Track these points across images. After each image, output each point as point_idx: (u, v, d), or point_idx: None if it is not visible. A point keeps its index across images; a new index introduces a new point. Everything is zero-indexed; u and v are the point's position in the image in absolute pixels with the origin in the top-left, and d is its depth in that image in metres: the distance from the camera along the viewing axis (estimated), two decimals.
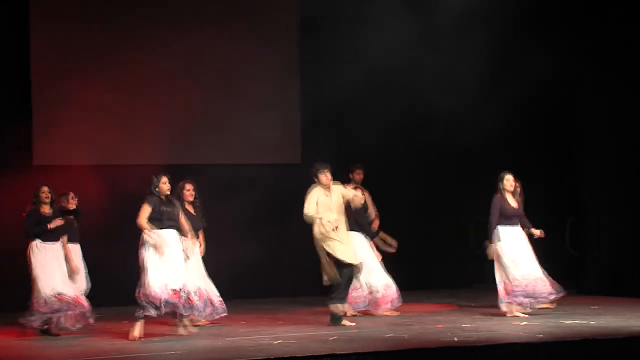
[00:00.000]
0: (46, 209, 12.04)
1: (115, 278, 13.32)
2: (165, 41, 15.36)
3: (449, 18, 15.24)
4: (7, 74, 14.73)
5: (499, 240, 12.81)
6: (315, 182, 12.34)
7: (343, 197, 12.39)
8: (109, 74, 15.03)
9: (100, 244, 14.03)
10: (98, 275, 13.92)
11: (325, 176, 12.24)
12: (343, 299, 12.31)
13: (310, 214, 12.18)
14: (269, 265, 15.56)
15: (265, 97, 15.85)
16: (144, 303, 11.25)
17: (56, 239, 12.06)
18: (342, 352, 9.93)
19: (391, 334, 11.32)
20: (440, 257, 16.43)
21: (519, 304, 12.71)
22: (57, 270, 11.93)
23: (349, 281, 12.33)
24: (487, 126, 15.59)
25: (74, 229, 12.66)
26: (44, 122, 14.79)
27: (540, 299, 12.77)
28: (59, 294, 11.82)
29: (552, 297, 12.82)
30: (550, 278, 12.97)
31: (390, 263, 16.09)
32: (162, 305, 11.25)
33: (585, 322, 12.08)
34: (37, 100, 14.85)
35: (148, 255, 11.37)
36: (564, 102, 15.99)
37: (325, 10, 15.49)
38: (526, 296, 12.69)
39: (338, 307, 12.20)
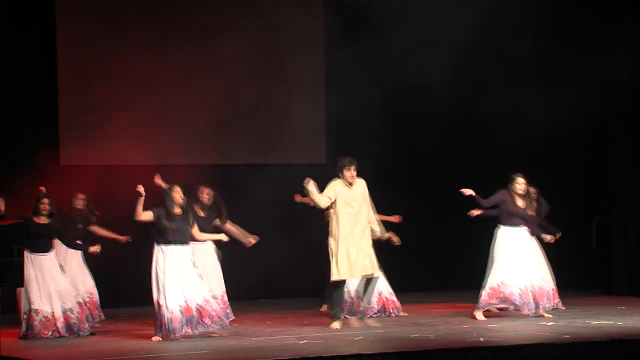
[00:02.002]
0: (43, 220, 11.96)
1: (140, 278, 13.35)
2: (192, 43, 15.39)
3: (488, 19, 15.15)
4: (34, 75, 14.80)
5: (496, 240, 12.69)
6: (339, 178, 12.24)
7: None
8: (136, 74, 15.09)
9: (128, 246, 14.06)
10: (122, 275, 14.01)
11: (350, 173, 12.15)
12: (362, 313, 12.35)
13: (319, 202, 12.04)
14: (294, 265, 15.58)
15: (291, 97, 15.86)
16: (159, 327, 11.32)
17: (46, 250, 11.97)
18: (368, 352, 9.93)
19: (417, 334, 11.31)
20: (467, 257, 16.38)
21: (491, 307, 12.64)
22: (45, 284, 11.83)
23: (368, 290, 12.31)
24: (521, 128, 15.56)
25: (70, 234, 12.65)
26: (70, 122, 14.86)
27: (517, 309, 12.57)
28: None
29: (530, 313, 12.58)
30: (548, 290, 12.71)
31: (417, 262, 16.13)
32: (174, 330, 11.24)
33: (612, 322, 12.03)
34: (64, 100, 14.93)
35: (158, 274, 11.39)
36: (599, 106, 15.90)
37: (352, 12, 15.48)
38: (502, 302, 12.56)
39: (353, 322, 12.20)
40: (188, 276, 11.39)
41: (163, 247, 11.42)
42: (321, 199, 12.04)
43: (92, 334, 11.97)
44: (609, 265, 15.73)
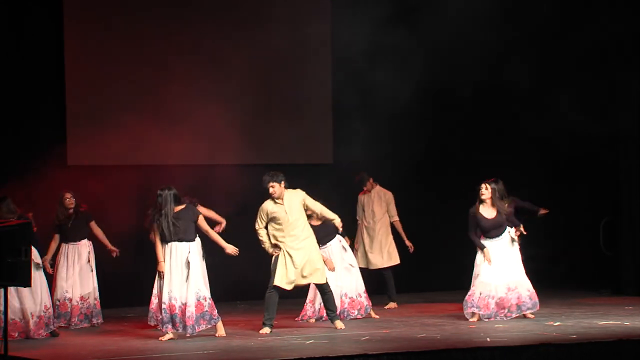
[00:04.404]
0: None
1: (149, 278, 13.37)
2: (199, 45, 15.41)
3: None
4: (42, 74, 14.82)
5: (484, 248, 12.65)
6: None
7: (306, 205, 12.08)
8: (143, 74, 15.10)
9: (136, 245, 14.08)
10: (132, 275, 14.03)
11: (273, 190, 11.96)
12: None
13: (258, 231, 12.05)
14: None
15: (297, 97, 15.87)
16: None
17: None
18: (374, 353, 9.93)
19: (423, 334, 11.31)
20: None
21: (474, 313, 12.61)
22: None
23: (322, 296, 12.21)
24: (537, 127, 15.57)
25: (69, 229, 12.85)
26: (78, 122, 14.87)
27: (500, 315, 12.52)
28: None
29: (509, 316, 12.50)
30: (527, 294, 12.51)
31: (426, 263, 16.10)
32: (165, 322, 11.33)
33: (619, 322, 12.01)
34: (71, 100, 14.94)
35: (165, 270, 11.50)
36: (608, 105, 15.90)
37: (358, 8, 15.47)
38: (480, 309, 12.52)
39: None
40: (178, 274, 11.41)
41: (165, 245, 11.50)
42: (265, 240, 12.05)
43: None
44: (617, 265, 15.70)
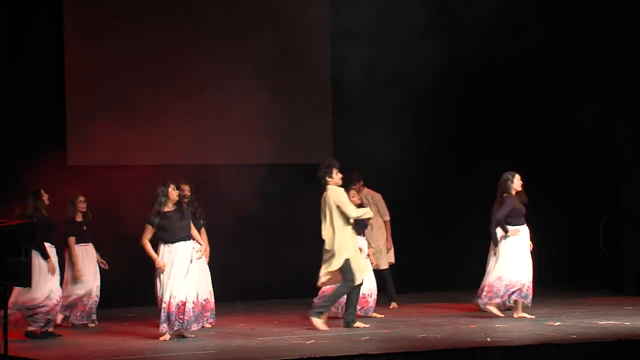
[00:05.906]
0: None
1: (149, 278, 13.38)
2: (200, 44, 15.41)
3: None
4: (42, 74, 14.82)
5: (514, 236, 12.66)
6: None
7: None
8: (143, 75, 15.10)
9: (136, 245, 14.06)
10: (133, 275, 14.01)
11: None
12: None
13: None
14: (302, 265, 15.54)
15: (297, 97, 15.87)
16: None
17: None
18: (374, 353, 9.93)
19: (424, 334, 11.30)
20: (476, 257, 16.38)
21: (497, 303, 12.65)
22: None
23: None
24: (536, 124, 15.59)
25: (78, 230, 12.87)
26: (78, 122, 14.87)
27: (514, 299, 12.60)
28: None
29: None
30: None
31: (426, 263, 16.11)
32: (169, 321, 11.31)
33: (619, 322, 12.02)
34: (71, 100, 14.94)
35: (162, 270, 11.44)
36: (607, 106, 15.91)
37: (357, 9, 15.49)
38: (502, 296, 12.58)
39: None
40: (180, 273, 11.38)
41: (162, 245, 11.46)
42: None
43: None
44: (617, 265, 15.70)
